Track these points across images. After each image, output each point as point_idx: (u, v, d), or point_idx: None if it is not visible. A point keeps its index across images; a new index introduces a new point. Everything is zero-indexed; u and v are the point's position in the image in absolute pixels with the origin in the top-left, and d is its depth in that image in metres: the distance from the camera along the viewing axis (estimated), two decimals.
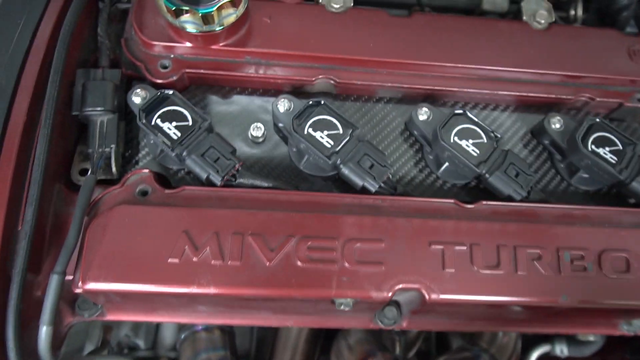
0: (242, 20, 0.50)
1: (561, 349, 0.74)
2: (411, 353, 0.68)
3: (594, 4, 0.66)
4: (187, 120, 0.45)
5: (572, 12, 0.67)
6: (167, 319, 0.49)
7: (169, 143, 0.44)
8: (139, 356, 0.70)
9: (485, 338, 0.68)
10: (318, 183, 0.51)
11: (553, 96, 0.55)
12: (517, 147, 0.55)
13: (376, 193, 0.47)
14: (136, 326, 0.71)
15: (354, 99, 0.54)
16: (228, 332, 0.64)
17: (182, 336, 0.63)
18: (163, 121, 0.45)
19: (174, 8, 0.45)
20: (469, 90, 0.54)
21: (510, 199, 0.48)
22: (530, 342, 0.77)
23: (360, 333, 0.59)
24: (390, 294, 0.43)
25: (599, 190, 0.54)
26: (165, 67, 0.49)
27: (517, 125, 0.56)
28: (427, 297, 0.44)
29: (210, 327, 0.62)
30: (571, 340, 0.73)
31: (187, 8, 0.45)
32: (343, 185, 0.48)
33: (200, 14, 0.45)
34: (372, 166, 0.46)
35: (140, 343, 0.72)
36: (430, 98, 0.55)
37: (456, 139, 0.48)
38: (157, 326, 0.74)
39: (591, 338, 0.66)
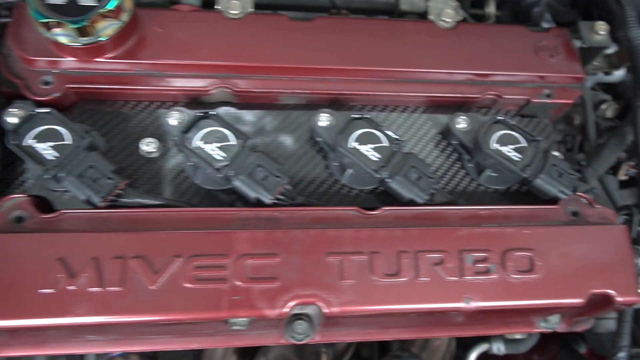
0: (129, 30, 0.47)
1: (498, 347, 0.73)
2: None
3: (507, 2, 0.65)
4: (64, 140, 0.42)
5: (487, 10, 0.67)
6: (60, 351, 0.46)
7: (44, 165, 0.41)
8: None
9: (417, 343, 0.67)
10: (220, 197, 0.48)
11: (461, 95, 0.54)
12: (428, 148, 0.54)
13: (275, 205, 0.45)
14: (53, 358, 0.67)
15: (256, 107, 0.52)
16: (148, 356, 0.61)
17: None
18: (39, 141, 0.42)
19: (43, 20, 0.42)
20: (375, 93, 0.53)
21: (412, 202, 0.47)
22: (469, 342, 0.76)
23: (280, 349, 0.57)
24: (285, 310, 0.41)
25: (509, 189, 0.53)
26: (47, 84, 0.47)
27: (427, 127, 0.54)
28: (326, 310, 0.42)
29: (127, 353, 0.59)
30: (507, 338, 0.72)
31: (57, 20, 0.42)
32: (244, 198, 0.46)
33: (73, 27, 0.42)
34: (265, 177, 0.44)
35: None
36: (337, 103, 0.53)
37: (356, 144, 0.47)
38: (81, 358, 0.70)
39: (518, 336, 0.65)
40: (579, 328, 0.57)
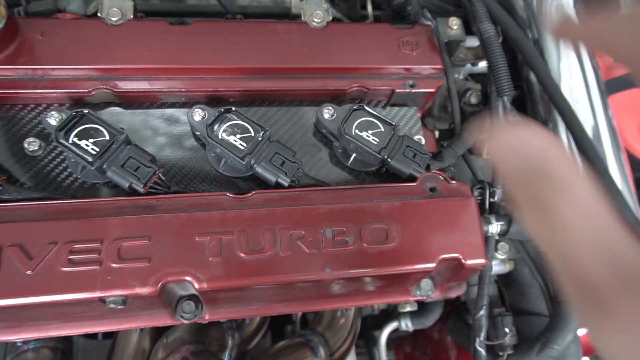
0: (7, 37, 0.51)
1: (406, 324, 0.80)
2: (250, 346, 0.70)
3: (382, 3, 0.71)
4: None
5: (368, 12, 0.73)
6: None
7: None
8: None
9: (323, 322, 0.72)
10: (102, 189, 0.52)
11: (331, 88, 0.59)
12: (305, 138, 0.59)
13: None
14: None
15: (136, 106, 0.56)
16: (61, 350, 0.64)
17: (8, 359, 0.62)
18: None
19: None
20: (249, 89, 0.57)
21: (279, 185, 0.52)
22: (379, 323, 0.82)
23: (180, 331, 0.61)
24: (157, 288, 0.45)
25: (378, 171, 0.58)
26: None
27: (303, 119, 0.60)
28: (196, 286, 0.46)
29: (37, 347, 0.62)
30: (413, 314, 0.78)
31: None
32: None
33: None
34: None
35: None
36: (215, 99, 0.58)
37: (224, 135, 0.51)
38: None
39: (408, 308, 0.71)
40: (453, 294, 0.63)
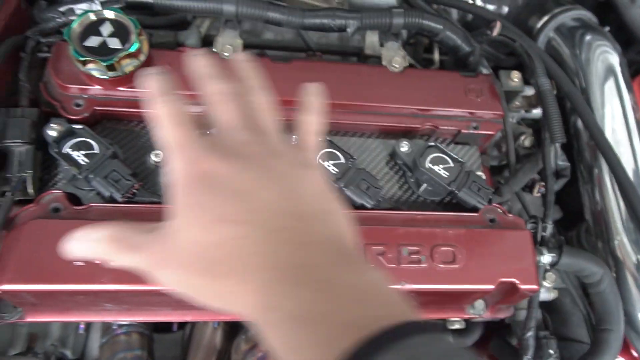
0: (144, 66, 0.60)
1: None
2: None
3: (449, 52, 0.80)
4: (94, 149, 0.55)
5: (434, 57, 0.82)
6: (79, 318, 0.57)
7: (76, 168, 0.53)
8: None
9: None
10: None
11: (405, 125, 0.68)
12: (380, 166, 0.67)
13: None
14: (63, 337, 0.77)
15: None
16: (146, 335, 0.72)
17: (104, 340, 0.70)
18: (73, 150, 0.55)
19: (81, 59, 0.55)
20: (337, 121, 0.66)
21: (363, 207, 0.60)
22: None
23: None
24: None
25: (442, 200, 0.67)
26: (78, 106, 0.59)
27: (379, 149, 0.68)
28: None
29: (129, 331, 0.70)
30: (455, 332, 0.85)
31: (92, 59, 0.55)
32: None
33: (103, 64, 0.56)
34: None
35: (68, 353, 0.78)
36: None
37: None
38: (85, 339, 0.80)
39: (457, 325, 0.78)
40: (501, 315, 0.70)
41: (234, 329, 0.77)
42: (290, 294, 0.32)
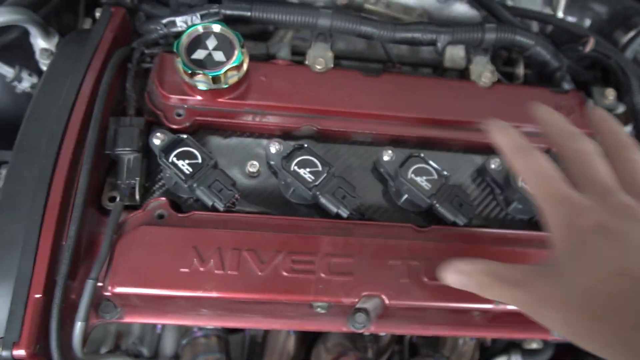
0: (243, 79, 0.62)
1: (516, 359, 0.85)
2: (383, 359, 0.78)
3: (533, 66, 0.79)
4: (197, 159, 0.57)
5: (517, 71, 0.81)
6: (175, 321, 0.59)
7: (182, 177, 0.55)
8: None
9: (447, 346, 0.79)
10: (302, 210, 0.62)
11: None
12: (467, 182, 0.67)
13: (348, 218, 0.58)
14: (142, 336, 0.80)
15: (333, 142, 0.66)
16: (224, 339, 0.74)
17: (184, 342, 0.73)
18: (178, 159, 0.57)
19: (190, 71, 0.57)
20: (426, 135, 0.66)
21: (455, 224, 0.60)
22: (487, 356, 0.88)
23: (337, 338, 0.69)
24: (356, 299, 0.54)
25: (531, 218, 0.65)
26: (180, 116, 0.61)
27: (466, 165, 0.68)
28: (387, 302, 0.55)
29: (208, 334, 0.72)
30: (525, 351, 0.83)
31: (200, 72, 0.57)
32: (323, 212, 0.60)
33: (210, 77, 0.57)
34: (344, 197, 0.57)
35: (144, 351, 0.81)
36: (395, 142, 0.67)
37: (412, 175, 0.60)
38: (159, 337, 0.83)
39: (534, 345, 0.76)
40: None
41: (305, 337, 0.78)
42: None
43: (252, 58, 0.69)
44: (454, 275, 0.47)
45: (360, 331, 0.59)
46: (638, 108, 0.68)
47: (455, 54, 0.78)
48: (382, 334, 0.79)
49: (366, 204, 0.63)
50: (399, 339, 0.92)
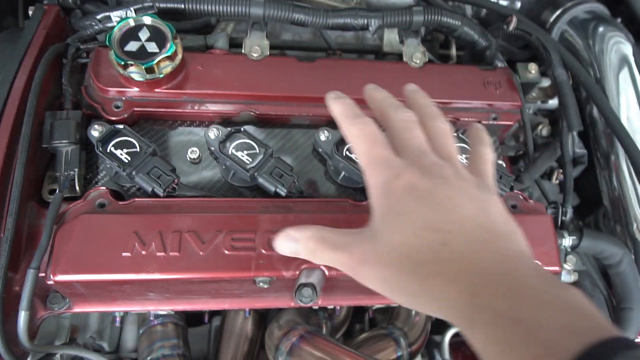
0: (179, 69, 0.64)
1: None
2: (338, 335, 0.80)
3: (465, 47, 0.83)
4: (135, 147, 0.58)
5: (451, 52, 0.85)
6: (124, 307, 0.60)
7: (120, 166, 0.57)
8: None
9: (400, 318, 0.82)
10: (245, 193, 0.64)
11: None
12: None
13: (287, 196, 0.61)
14: (100, 330, 0.81)
15: (271, 126, 0.68)
16: (181, 326, 0.75)
17: (141, 331, 0.73)
18: (116, 149, 0.58)
19: (122, 63, 0.59)
20: None
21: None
22: (442, 328, 0.91)
23: (289, 315, 0.71)
24: (297, 272, 0.57)
25: None
26: (118, 107, 0.63)
27: None
28: (326, 273, 0.57)
29: (165, 322, 0.73)
30: None
31: (132, 62, 0.58)
32: (265, 193, 0.62)
33: (143, 67, 0.59)
34: (281, 176, 0.60)
35: (105, 345, 0.81)
36: (333, 123, 0.69)
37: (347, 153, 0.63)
38: (120, 331, 0.84)
39: None
40: None
41: (264, 318, 0.79)
42: (499, 296, 0.34)
43: (191, 50, 0.71)
44: (285, 242, 0.48)
45: (308, 305, 0.61)
46: (559, 80, 0.72)
47: (392, 38, 0.81)
48: (337, 311, 0.81)
49: (307, 183, 0.66)
50: (359, 316, 0.95)
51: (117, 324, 0.80)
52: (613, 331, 0.31)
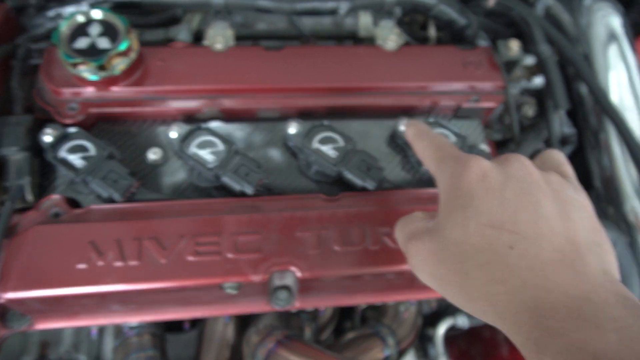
0: (137, 64, 0.60)
1: (462, 321, 0.85)
2: (325, 334, 0.77)
3: (444, 27, 0.78)
4: (90, 151, 0.55)
5: (429, 33, 0.81)
6: (87, 322, 0.57)
7: (74, 172, 0.53)
8: None
9: (389, 315, 0.78)
10: (212, 193, 0.60)
11: (404, 104, 0.67)
12: (381, 146, 0.66)
13: (255, 195, 0.57)
14: (76, 343, 0.78)
15: (239, 121, 0.64)
16: (158, 336, 0.72)
17: (116, 344, 0.70)
18: (70, 154, 0.54)
19: (71, 61, 0.55)
20: (333, 105, 0.65)
21: (364, 189, 0.59)
22: (435, 320, 0.88)
23: (268, 320, 0.68)
24: (267, 276, 0.53)
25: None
26: (73, 109, 0.59)
27: (378, 130, 0.67)
28: (299, 275, 0.54)
29: (140, 332, 0.70)
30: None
31: (81, 60, 0.55)
32: (232, 192, 0.58)
33: (94, 65, 0.55)
34: (247, 174, 0.56)
35: (82, 359, 0.78)
36: (304, 114, 0.66)
37: (318, 145, 0.59)
38: (98, 344, 0.81)
39: None
40: None
41: (245, 323, 0.76)
42: (574, 324, 0.30)
43: (151, 44, 0.67)
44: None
45: (285, 308, 0.57)
46: (543, 56, 0.68)
47: (367, 22, 0.77)
48: (321, 311, 0.78)
49: (277, 179, 0.62)
50: (349, 313, 0.92)
51: (94, 336, 0.77)
52: None
